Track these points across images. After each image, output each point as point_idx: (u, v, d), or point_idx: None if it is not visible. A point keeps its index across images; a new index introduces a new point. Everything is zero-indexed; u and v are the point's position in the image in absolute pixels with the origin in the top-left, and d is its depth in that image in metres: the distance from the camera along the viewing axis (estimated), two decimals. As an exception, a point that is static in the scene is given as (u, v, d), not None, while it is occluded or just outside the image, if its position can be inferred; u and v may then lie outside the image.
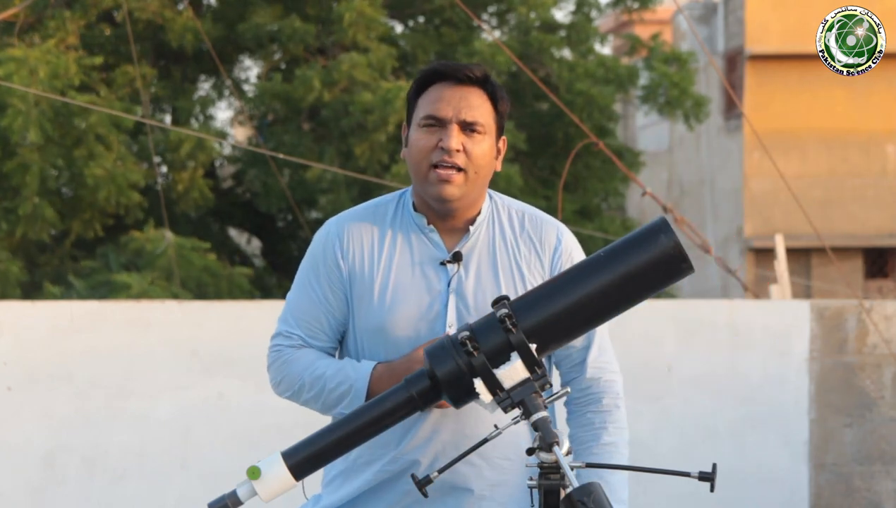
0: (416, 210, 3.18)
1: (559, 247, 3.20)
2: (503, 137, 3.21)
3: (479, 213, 3.18)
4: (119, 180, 13.23)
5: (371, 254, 3.15)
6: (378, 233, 3.17)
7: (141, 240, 12.94)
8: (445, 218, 3.15)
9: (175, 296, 12.28)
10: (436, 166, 3.09)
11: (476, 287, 3.13)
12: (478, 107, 3.12)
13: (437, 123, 3.11)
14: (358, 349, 3.17)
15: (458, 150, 3.08)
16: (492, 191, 3.23)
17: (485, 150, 3.12)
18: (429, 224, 3.16)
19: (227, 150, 15.98)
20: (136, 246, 12.99)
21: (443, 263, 3.14)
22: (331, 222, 3.22)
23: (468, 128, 3.10)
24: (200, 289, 13.00)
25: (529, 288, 3.13)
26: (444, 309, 3.11)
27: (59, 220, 13.50)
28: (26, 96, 12.40)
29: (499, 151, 3.19)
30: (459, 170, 3.09)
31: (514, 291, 3.13)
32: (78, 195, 13.71)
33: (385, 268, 3.13)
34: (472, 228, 3.16)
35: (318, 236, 3.21)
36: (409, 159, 3.15)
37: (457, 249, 3.15)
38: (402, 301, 3.11)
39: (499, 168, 3.20)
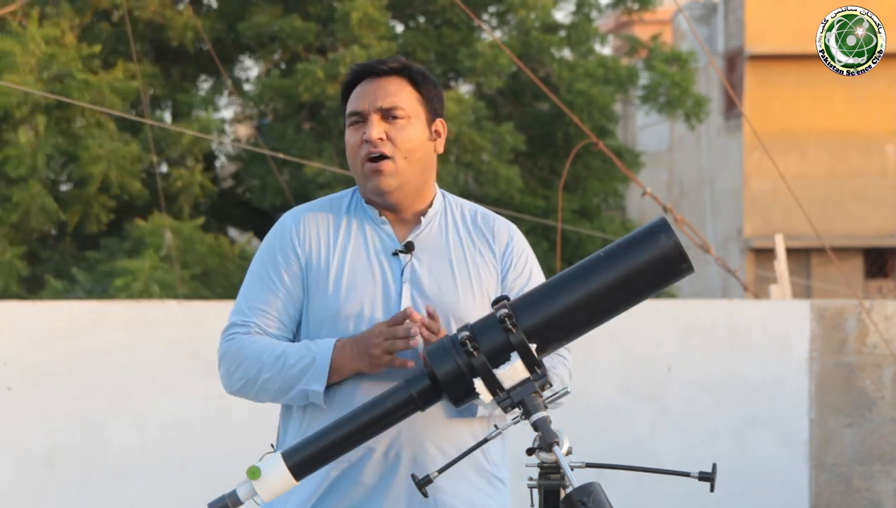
0: (368, 203, 3.20)
1: (511, 243, 3.22)
2: (440, 119, 3.21)
3: (430, 205, 3.20)
4: (119, 160, 13.11)
5: (327, 243, 3.16)
6: (333, 222, 3.18)
7: (144, 229, 12.93)
8: (394, 210, 3.18)
9: (181, 280, 12.29)
10: (367, 160, 3.12)
11: (430, 276, 3.14)
12: (395, 93, 3.14)
13: (360, 118, 3.14)
14: (311, 338, 3.15)
15: (380, 139, 3.11)
16: (444, 191, 3.26)
17: (411, 135, 3.13)
18: (381, 215, 3.18)
19: (227, 144, 15.98)
20: (139, 233, 12.98)
21: (395, 253, 3.15)
22: (286, 214, 3.25)
23: (388, 115, 3.13)
24: (206, 270, 12.98)
25: (483, 279, 3.16)
26: (398, 297, 3.12)
27: (59, 212, 13.41)
28: (22, 67, 12.31)
29: (437, 134, 3.20)
30: (386, 157, 3.11)
31: (467, 281, 3.15)
32: (78, 185, 13.65)
33: (340, 257, 3.15)
34: (423, 219, 3.18)
35: (274, 228, 3.23)
36: (348, 161, 3.19)
37: (409, 239, 3.16)
38: (356, 289, 3.12)
39: (440, 150, 3.21)
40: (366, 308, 3.11)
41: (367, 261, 3.15)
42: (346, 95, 3.20)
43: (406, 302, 3.11)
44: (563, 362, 3.20)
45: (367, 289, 3.12)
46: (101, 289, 12.58)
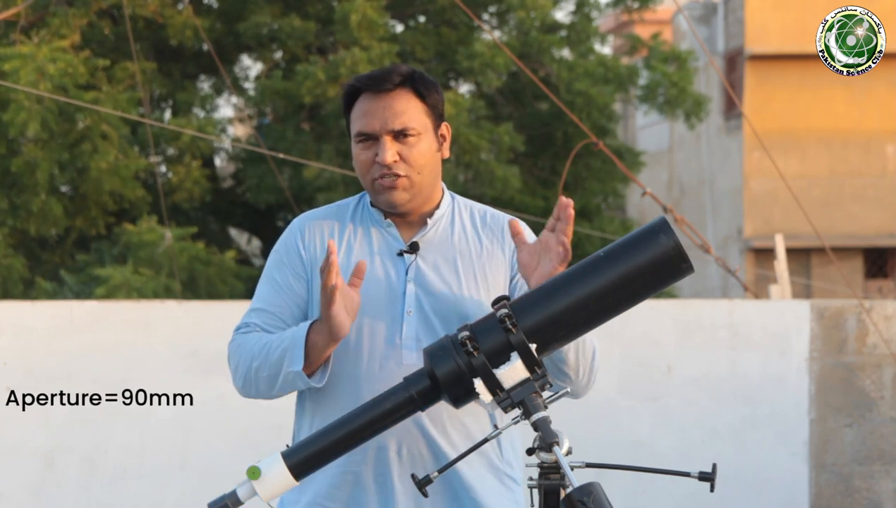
0: (374, 206, 3.24)
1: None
2: (444, 123, 3.23)
3: (437, 207, 3.24)
4: (122, 172, 13.28)
5: None
6: (339, 226, 3.23)
7: (133, 233, 12.96)
8: (402, 215, 3.22)
9: (165, 287, 12.31)
10: (379, 178, 3.15)
11: (435, 275, 3.17)
12: (404, 112, 3.15)
13: (369, 138, 3.15)
14: None
15: (394, 161, 3.13)
16: (453, 193, 3.29)
17: (423, 151, 3.16)
18: (387, 218, 3.22)
19: (226, 144, 16.02)
20: (127, 239, 13.01)
21: (400, 253, 3.18)
22: (295, 220, 3.30)
23: (400, 135, 3.14)
24: (192, 279, 13.01)
25: (489, 278, 3.19)
26: (402, 296, 3.14)
27: (64, 217, 13.55)
28: (31, 93, 12.44)
29: (443, 138, 3.23)
30: (400, 176, 3.14)
31: (473, 281, 3.18)
32: (81, 193, 13.75)
33: (345, 258, 3.18)
34: (430, 221, 3.21)
35: (283, 234, 3.29)
36: (357, 172, 3.21)
37: (414, 240, 3.20)
38: (361, 288, 3.11)
39: (446, 154, 3.24)
40: (370, 305, 3.13)
41: (372, 261, 3.18)
42: (347, 106, 3.20)
43: (411, 302, 3.14)
44: (593, 339, 3.20)
45: (371, 288, 3.14)
46: (87, 293, 12.61)
